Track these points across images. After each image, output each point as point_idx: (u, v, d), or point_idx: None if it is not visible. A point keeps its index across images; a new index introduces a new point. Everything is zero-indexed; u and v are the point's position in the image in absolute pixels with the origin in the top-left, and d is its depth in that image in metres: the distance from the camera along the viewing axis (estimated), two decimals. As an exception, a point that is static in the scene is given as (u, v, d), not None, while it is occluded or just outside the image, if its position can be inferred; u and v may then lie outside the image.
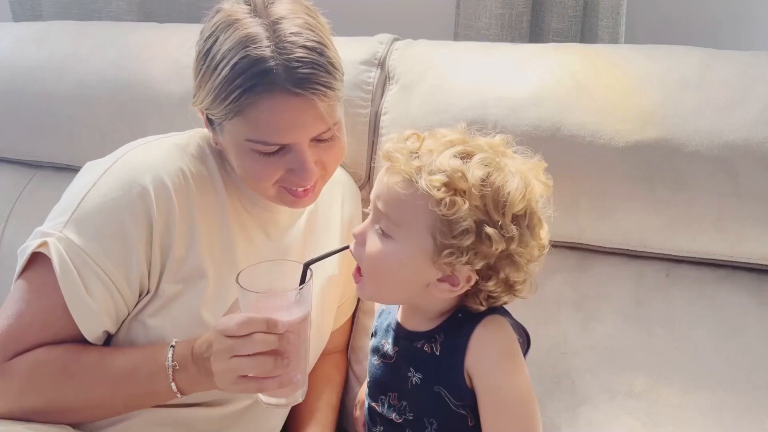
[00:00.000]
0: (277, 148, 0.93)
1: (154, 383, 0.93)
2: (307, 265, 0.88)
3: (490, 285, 0.85)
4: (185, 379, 0.92)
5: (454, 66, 1.26)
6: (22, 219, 1.47)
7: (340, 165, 1.26)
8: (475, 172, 0.81)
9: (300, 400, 0.92)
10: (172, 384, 0.92)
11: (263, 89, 0.89)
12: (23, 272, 0.96)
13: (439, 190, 0.80)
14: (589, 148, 1.13)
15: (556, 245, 1.22)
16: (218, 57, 0.91)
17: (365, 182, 1.31)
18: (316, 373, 1.15)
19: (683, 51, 1.19)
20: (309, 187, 0.98)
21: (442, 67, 1.26)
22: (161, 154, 1.00)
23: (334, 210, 1.18)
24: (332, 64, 0.93)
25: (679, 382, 1.09)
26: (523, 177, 0.84)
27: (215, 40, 0.92)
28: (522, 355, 0.88)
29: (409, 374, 0.89)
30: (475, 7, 1.45)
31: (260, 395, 0.91)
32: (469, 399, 0.85)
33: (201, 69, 0.94)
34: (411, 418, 0.90)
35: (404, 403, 0.90)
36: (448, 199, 0.79)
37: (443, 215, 0.80)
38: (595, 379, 1.12)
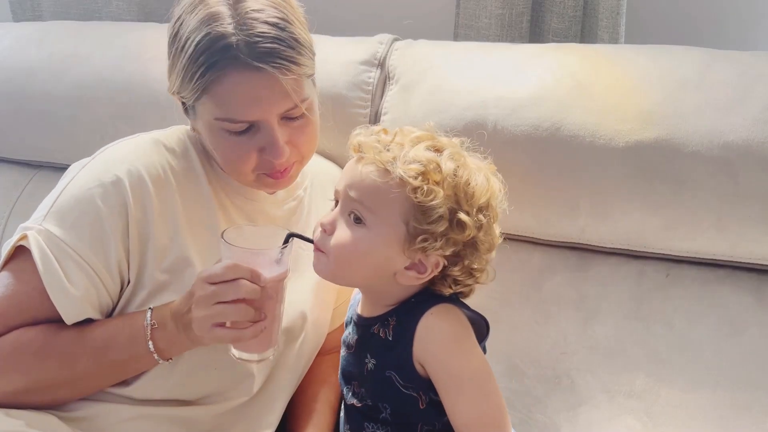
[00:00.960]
0: (245, 126, 0.94)
1: (134, 346, 0.93)
2: (290, 235, 0.90)
3: (456, 270, 0.89)
4: (164, 338, 0.93)
5: (454, 66, 1.26)
6: (22, 219, 1.44)
7: (336, 164, 1.27)
8: (447, 164, 0.86)
9: (270, 357, 0.94)
10: (149, 343, 0.92)
11: (225, 64, 0.90)
12: (4, 267, 0.97)
13: (416, 178, 0.84)
14: (589, 148, 1.13)
15: (556, 245, 1.23)
16: (184, 38, 0.92)
17: (365, 182, 1.31)
18: (313, 374, 1.15)
19: (683, 51, 1.19)
20: (285, 168, 0.98)
21: (442, 67, 1.26)
22: (139, 148, 1.01)
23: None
24: (296, 40, 0.93)
25: (679, 382, 1.09)
26: (485, 173, 0.90)
27: (182, 23, 0.94)
28: (472, 337, 0.90)
29: (366, 360, 0.92)
30: (475, 7, 1.45)
31: (233, 350, 0.92)
32: (418, 382, 0.88)
33: (171, 52, 0.96)
34: (369, 404, 0.92)
35: (363, 389, 0.93)
36: (425, 187, 0.84)
37: (420, 202, 0.84)
38: (595, 379, 1.12)
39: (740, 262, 1.14)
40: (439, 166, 0.86)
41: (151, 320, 0.93)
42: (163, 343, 0.93)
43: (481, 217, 0.87)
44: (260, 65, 0.90)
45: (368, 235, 0.87)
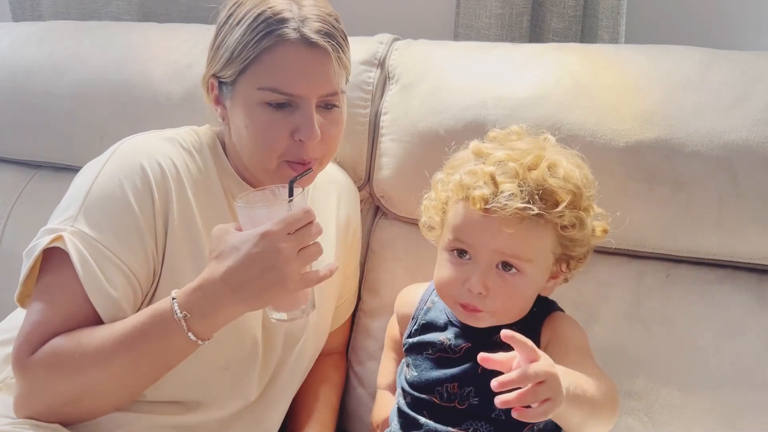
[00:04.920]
0: (285, 99, 0.96)
1: (168, 337, 0.89)
2: (292, 181, 0.93)
3: (574, 265, 0.99)
4: (200, 324, 0.89)
5: (454, 66, 1.26)
6: (22, 219, 1.47)
7: (338, 165, 1.27)
8: (577, 182, 0.92)
9: (306, 316, 0.95)
10: (189, 334, 0.88)
11: (282, 34, 0.95)
12: (40, 273, 0.95)
13: (562, 216, 0.90)
14: (589, 148, 1.12)
15: (556, 245, 1.23)
16: (241, 15, 0.97)
17: (365, 182, 1.31)
18: (314, 374, 1.15)
19: (683, 51, 1.19)
20: (309, 161, 0.99)
21: (442, 67, 1.26)
22: (157, 144, 1.02)
23: (329, 211, 1.18)
24: (345, 38, 1.00)
25: (679, 382, 1.09)
26: (578, 165, 0.96)
27: (239, 5, 0.98)
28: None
29: None
30: (475, 7, 1.45)
31: (272, 313, 0.93)
32: None
33: (222, 32, 0.99)
34: (476, 402, 0.94)
35: (468, 389, 0.95)
36: (575, 221, 0.90)
37: (572, 236, 0.91)
38: (595, 379, 1.12)
39: (740, 262, 1.14)
40: (572, 192, 0.91)
41: (181, 312, 0.88)
42: (202, 328, 0.89)
43: (595, 207, 0.96)
44: (315, 39, 0.95)
45: (526, 279, 0.93)
